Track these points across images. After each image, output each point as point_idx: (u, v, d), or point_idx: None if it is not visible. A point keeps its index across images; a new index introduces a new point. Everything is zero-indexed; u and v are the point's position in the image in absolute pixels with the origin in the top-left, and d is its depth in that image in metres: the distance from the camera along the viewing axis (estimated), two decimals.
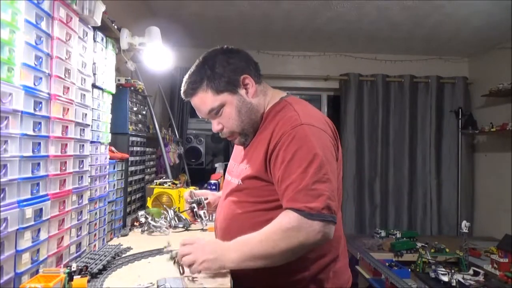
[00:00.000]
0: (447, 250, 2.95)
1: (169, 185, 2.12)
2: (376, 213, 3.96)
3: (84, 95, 1.28)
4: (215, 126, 1.15)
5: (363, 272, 2.98)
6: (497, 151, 3.71)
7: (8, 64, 0.83)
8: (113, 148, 1.69)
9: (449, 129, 4.05)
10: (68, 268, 0.97)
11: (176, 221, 1.87)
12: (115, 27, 1.66)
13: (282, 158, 0.98)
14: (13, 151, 0.85)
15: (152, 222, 1.75)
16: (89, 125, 1.32)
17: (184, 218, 1.92)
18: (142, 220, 1.77)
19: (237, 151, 1.26)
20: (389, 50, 3.98)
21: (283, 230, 0.93)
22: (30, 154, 0.92)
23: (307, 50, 4.05)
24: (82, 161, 1.25)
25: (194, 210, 1.38)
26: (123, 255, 1.34)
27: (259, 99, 1.13)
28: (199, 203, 1.24)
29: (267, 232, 0.95)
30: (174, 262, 1.09)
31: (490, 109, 3.78)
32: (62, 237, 1.10)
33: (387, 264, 2.72)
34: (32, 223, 0.92)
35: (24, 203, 0.89)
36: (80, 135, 1.23)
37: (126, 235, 1.69)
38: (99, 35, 1.47)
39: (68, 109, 1.12)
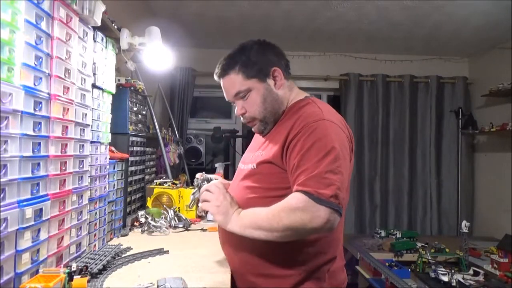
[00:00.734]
0: (447, 250, 2.95)
1: (169, 185, 2.12)
2: (376, 213, 3.96)
3: (84, 95, 1.28)
4: (239, 110, 1.19)
5: (363, 272, 2.98)
6: (497, 151, 3.71)
7: (8, 64, 0.83)
8: (113, 148, 1.69)
9: (449, 129, 4.05)
10: (68, 268, 0.97)
11: (176, 221, 1.87)
12: (115, 27, 1.66)
13: (300, 147, 1.01)
14: (13, 151, 0.85)
15: (152, 222, 1.75)
16: (89, 125, 1.32)
17: (184, 218, 1.92)
18: (142, 220, 1.77)
19: (254, 143, 1.29)
20: (389, 50, 3.98)
21: (290, 208, 0.96)
22: (30, 154, 0.92)
23: (307, 50, 4.05)
24: (82, 161, 1.25)
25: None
26: (123, 255, 1.34)
27: (284, 92, 1.18)
28: (209, 181, 1.24)
29: (276, 208, 0.99)
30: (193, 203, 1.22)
31: (490, 109, 3.78)
32: (62, 237, 1.10)
33: (387, 264, 2.72)
34: (32, 223, 0.92)
35: (24, 203, 0.89)
36: (80, 135, 1.23)
37: (126, 235, 1.69)
38: (99, 35, 1.47)
39: (68, 109, 1.12)
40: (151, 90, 2.83)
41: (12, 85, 0.85)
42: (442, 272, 2.37)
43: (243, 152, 4.54)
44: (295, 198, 0.96)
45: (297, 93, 1.22)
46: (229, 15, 3.08)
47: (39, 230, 0.96)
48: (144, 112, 2.19)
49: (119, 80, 1.81)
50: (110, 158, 1.56)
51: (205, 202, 1.12)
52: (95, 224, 1.40)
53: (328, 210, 0.93)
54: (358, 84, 4.01)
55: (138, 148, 2.03)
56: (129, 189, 1.87)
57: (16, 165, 0.86)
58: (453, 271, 2.41)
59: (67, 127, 1.12)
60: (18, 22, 0.87)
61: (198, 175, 1.31)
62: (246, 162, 1.21)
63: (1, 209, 0.81)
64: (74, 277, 0.98)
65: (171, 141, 2.94)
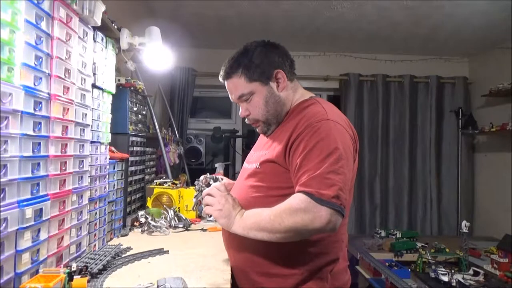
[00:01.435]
0: (447, 250, 2.94)
1: (169, 185, 2.12)
2: (376, 213, 3.96)
3: (84, 95, 1.28)
4: (243, 112, 1.20)
5: (363, 272, 2.98)
6: (497, 151, 3.71)
7: (8, 64, 0.83)
8: (113, 148, 1.69)
9: (449, 129, 4.05)
10: (68, 268, 0.97)
11: (176, 221, 1.87)
12: (115, 27, 1.66)
13: (303, 147, 1.01)
14: (13, 151, 0.85)
15: (152, 222, 1.75)
16: (89, 125, 1.32)
17: (184, 218, 1.92)
18: (142, 220, 1.77)
19: (259, 143, 1.29)
20: (389, 50, 3.98)
21: (291, 209, 0.96)
22: (30, 154, 0.92)
23: (307, 50, 4.05)
24: (82, 161, 1.25)
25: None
26: (123, 255, 1.34)
27: (287, 94, 1.18)
28: (215, 180, 1.24)
29: (278, 209, 0.99)
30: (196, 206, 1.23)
31: (490, 109, 3.78)
32: (62, 237, 1.10)
33: (387, 264, 2.72)
34: (32, 223, 0.92)
35: (24, 203, 0.89)
36: (80, 135, 1.23)
37: (126, 235, 1.69)
38: (99, 35, 1.47)
39: (68, 109, 1.12)
40: (151, 90, 2.83)
41: (12, 85, 0.85)
42: (442, 272, 2.37)
43: (243, 152, 4.52)
44: (297, 199, 0.96)
45: (301, 94, 1.22)
46: (229, 15, 3.08)
47: (39, 230, 0.96)
48: (144, 112, 2.19)
49: (119, 80, 1.81)
50: (110, 158, 1.56)
51: (207, 206, 1.12)
52: (95, 224, 1.40)
53: (329, 210, 0.93)
54: (358, 84, 4.01)
55: (138, 148, 2.03)
56: (129, 189, 1.87)
57: (16, 165, 0.86)
58: (453, 271, 2.41)
59: (67, 127, 1.12)
60: (18, 22, 0.87)
61: (202, 178, 1.29)
62: (250, 162, 1.21)
63: (1, 209, 0.81)
64: (74, 277, 0.98)
65: (171, 141, 2.93)
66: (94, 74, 1.40)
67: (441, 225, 4.01)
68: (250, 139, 4.07)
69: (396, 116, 4.03)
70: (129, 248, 1.43)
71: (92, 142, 1.36)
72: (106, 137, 1.53)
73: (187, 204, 2.09)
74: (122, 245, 1.45)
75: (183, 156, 3.43)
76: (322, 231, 0.98)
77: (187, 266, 1.26)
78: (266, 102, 1.15)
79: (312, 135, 1.01)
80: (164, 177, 2.38)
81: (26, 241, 0.90)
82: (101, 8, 1.34)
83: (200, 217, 2.13)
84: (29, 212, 0.90)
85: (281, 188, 1.08)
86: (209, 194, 1.13)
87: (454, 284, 2.30)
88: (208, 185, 1.21)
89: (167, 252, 1.42)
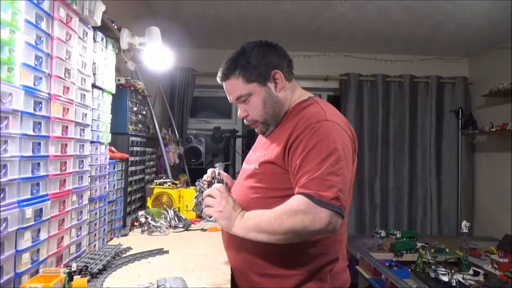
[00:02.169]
0: (447, 250, 2.94)
1: (169, 185, 2.12)
2: (376, 213, 3.96)
3: (84, 95, 1.28)
4: (241, 112, 1.20)
5: (363, 272, 2.98)
6: (497, 151, 3.71)
7: (8, 64, 0.83)
8: (113, 148, 1.69)
9: (449, 129, 4.05)
10: (68, 268, 0.97)
11: (176, 221, 1.87)
12: (115, 27, 1.66)
13: (302, 148, 1.01)
14: (13, 151, 0.85)
15: (152, 222, 1.75)
16: (89, 125, 1.32)
17: (184, 218, 1.92)
18: (142, 220, 1.77)
19: (258, 143, 1.29)
20: (389, 50, 3.98)
21: (291, 211, 0.96)
22: (30, 154, 0.92)
23: (307, 50, 4.05)
24: (82, 161, 1.25)
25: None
26: (123, 255, 1.34)
27: (286, 94, 1.18)
28: (220, 182, 1.23)
29: (278, 211, 0.99)
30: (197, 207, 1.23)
31: (490, 109, 3.78)
32: (62, 237, 1.10)
33: (387, 264, 2.72)
34: (32, 223, 0.92)
35: (24, 203, 0.89)
36: (80, 135, 1.23)
37: (126, 235, 1.69)
38: (99, 35, 1.47)
39: (68, 109, 1.12)
40: (151, 90, 2.83)
41: (12, 85, 0.85)
42: (442, 272, 2.37)
43: (243, 152, 4.52)
44: (297, 201, 0.96)
45: (300, 94, 1.21)
46: (229, 15, 3.08)
47: (39, 230, 0.96)
48: (144, 112, 2.19)
49: (119, 80, 1.81)
50: (110, 158, 1.56)
51: (208, 208, 1.12)
52: (95, 224, 1.40)
53: (329, 212, 0.93)
54: (358, 84, 4.01)
55: (138, 148, 2.03)
56: (129, 189, 1.87)
57: (16, 165, 0.86)
58: (453, 271, 2.41)
59: (67, 127, 1.12)
60: (18, 22, 0.87)
61: (210, 172, 1.27)
62: (249, 162, 1.21)
63: (1, 209, 0.81)
64: (74, 277, 0.98)
65: (171, 141, 2.93)
66: (94, 74, 1.40)
67: (441, 225, 4.01)
68: (250, 139, 4.07)
69: (396, 116, 4.03)
70: (129, 248, 1.43)
71: (92, 142, 1.36)
72: (106, 137, 1.53)
73: (187, 204, 2.09)
74: (122, 245, 1.45)
75: (183, 156, 3.43)
76: (322, 233, 0.98)
77: (187, 266, 1.26)
78: (264, 103, 1.14)
79: (311, 136, 1.01)
80: (164, 177, 2.38)
81: (26, 241, 0.90)
82: (101, 8, 1.34)
83: (200, 217, 2.13)
84: (29, 212, 0.90)
85: (280, 189, 1.08)
86: (209, 195, 1.13)
87: (454, 284, 2.30)
88: (209, 185, 1.21)
89: (167, 252, 1.42)
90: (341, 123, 1.07)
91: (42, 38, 0.98)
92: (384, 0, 2.73)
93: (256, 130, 1.24)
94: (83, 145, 1.25)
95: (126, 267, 1.23)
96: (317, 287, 1.08)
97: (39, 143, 0.97)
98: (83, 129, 1.26)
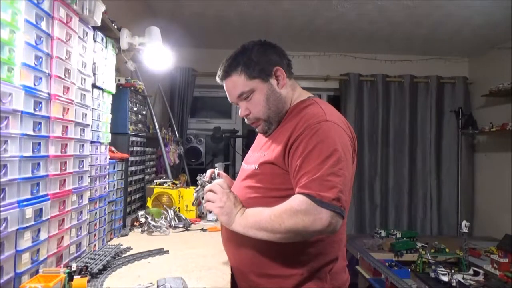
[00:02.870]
0: (447, 250, 2.95)
1: (169, 185, 2.12)
2: (376, 213, 3.96)
3: (84, 95, 1.28)
4: (243, 111, 1.19)
5: (363, 272, 2.98)
6: (497, 151, 3.71)
7: (8, 64, 0.83)
8: (113, 148, 1.69)
9: (449, 129, 4.05)
10: (68, 268, 0.97)
11: (176, 221, 1.87)
12: (115, 27, 1.66)
13: (303, 148, 1.01)
14: (13, 151, 0.85)
15: (152, 222, 1.75)
16: (89, 125, 1.32)
17: (184, 218, 1.92)
18: (142, 220, 1.77)
19: (257, 143, 1.29)
20: (389, 50, 3.98)
21: (292, 211, 0.96)
22: (30, 154, 0.92)
23: (307, 50, 4.05)
24: (82, 161, 1.25)
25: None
26: (123, 255, 1.34)
27: (287, 92, 1.18)
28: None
29: (278, 209, 0.99)
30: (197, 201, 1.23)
31: (490, 109, 3.78)
32: (62, 237, 1.10)
33: (387, 264, 2.72)
34: (32, 223, 0.92)
35: (24, 203, 0.89)
36: (80, 135, 1.23)
37: (126, 235, 1.69)
38: (99, 35, 1.47)
39: (68, 109, 1.12)
40: (151, 90, 2.83)
41: (12, 85, 0.85)
42: (442, 272, 2.37)
43: (243, 152, 4.52)
44: (298, 201, 0.96)
45: (300, 93, 1.22)
46: (229, 15, 3.08)
47: (39, 230, 0.96)
48: (144, 112, 2.19)
49: (119, 80, 1.81)
50: (110, 158, 1.56)
51: (208, 203, 1.12)
52: (95, 224, 1.40)
53: (330, 213, 0.93)
54: (358, 84, 4.01)
55: (138, 148, 2.03)
56: (129, 189, 1.87)
57: (16, 165, 0.86)
58: (453, 271, 2.41)
59: (67, 127, 1.12)
60: (18, 22, 0.87)
61: (209, 172, 1.27)
62: (249, 162, 1.21)
63: (1, 209, 0.81)
64: (74, 277, 0.98)
65: (171, 141, 2.93)
66: (94, 74, 1.40)
67: (441, 225, 4.01)
68: (250, 139, 4.06)
69: (396, 116, 4.03)
70: (129, 248, 1.43)
71: (92, 142, 1.36)
72: (106, 137, 1.53)
73: (187, 204, 2.09)
74: (122, 245, 1.45)
75: (183, 156, 3.43)
76: (322, 233, 0.98)
77: (187, 266, 1.26)
78: (267, 99, 1.14)
79: (311, 137, 1.01)
80: (164, 177, 2.38)
81: (26, 241, 0.90)
82: (101, 8, 1.34)
83: (200, 217, 2.13)
84: (29, 212, 0.90)
85: (280, 189, 1.08)
86: (211, 190, 1.12)
87: (454, 284, 2.30)
88: (210, 181, 1.21)
89: (167, 252, 1.42)
90: (341, 124, 1.07)
91: (42, 38, 0.98)
92: (384, 0, 2.73)
93: (257, 130, 1.23)
94: (83, 145, 1.25)
95: (126, 267, 1.23)
96: (317, 287, 1.08)
97: (39, 143, 0.97)
98: (83, 129, 1.26)
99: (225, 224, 1.09)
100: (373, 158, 4.00)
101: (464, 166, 4.01)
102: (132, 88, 1.91)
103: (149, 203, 2.06)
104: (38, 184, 0.96)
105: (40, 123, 0.97)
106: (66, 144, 1.12)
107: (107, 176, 1.53)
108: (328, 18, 3.11)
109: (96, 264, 1.14)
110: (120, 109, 1.80)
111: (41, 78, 0.98)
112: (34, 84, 0.95)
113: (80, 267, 1.04)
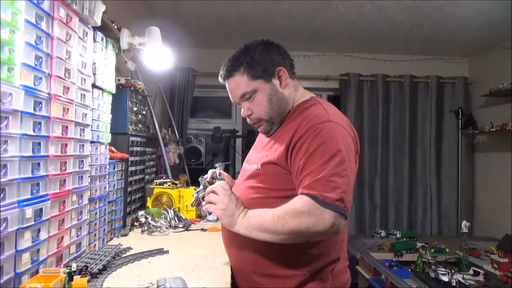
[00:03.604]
0: (447, 250, 2.95)
1: (169, 185, 2.12)
2: (376, 213, 3.96)
3: (84, 95, 1.28)
4: (245, 111, 1.18)
5: (363, 272, 2.98)
6: (497, 151, 3.71)
7: (8, 64, 0.83)
8: (113, 148, 1.69)
9: (449, 129, 4.05)
10: (68, 268, 0.97)
11: (176, 221, 1.87)
12: (115, 27, 1.66)
13: (306, 148, 1.01)
14: (13, 151, 0.85)
15: (152, 222, 1.75)
16: (89, 125, 1.32)
17: (184, 218, 1.92)
18: (142, 220, 1.77)
19: (259, 143, 1.29)
20: (389, 50, 3.98)
21: (295, 211, 0.95)
22: (30, 154, 0.92)
23: (307, 50, 4.05)
24: (82, 161, 1.25)
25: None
26: (123, 255, 1.34)
27: (290, 92, 1.17)
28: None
29: (281, 210, 0.98)
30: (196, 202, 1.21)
31: (490, 109, 3.78)
32: (62, 237, 1.10)
33: (387, 264, 2.72)
34: (32, 223, 0.92)
35: (24, 203, 0.89)
36: (80, 135, 1.23)
37: (126, 235, 1.69)
38: (99, 35, 1.47)
39: (68, 109, 1.12)
40: (151, 90, 2.83)
41: (12, 85, 0.85)
42: (442, 272, 2.37)
43: (243, 152, 4.51)
44: (301, 201, 0.96)
45: (302, 93, 1.21)
46: (229, 15, 3.08)
47: (39, 230, 0.96)
48: (144, 112, 2.19)
49: (119, 80, 1.81)
50: (110, 158, 1.56)
51: (210, 204, 1.11)
52: (95, 224, 1.40)
53: (333, 213, 0.93)
54: (358, 84, 4.01)
55: (138, 148, 2.03)
56: (129, 189, 1.87)
57: (16, 165, 0.86)
58: (453, 271, 2.41)
59: (67, 127, 1.12)
60: (18, 22, 0.87)
61: (211, 172, 1.26)
62: (251, 162, 1.21)
63: (1, 209, 0.81)
64: (74, 277, 0.98)
65: (171, 141, 2.94)
66: (94, 74, 1.40)
67: (441, 225, 4.01)
68: (250, 139, 4.07)
69: (396, 116, 4.03)
70: (129, 248, 1.43)
71: (92, 142, 1.36)
72: (106, 137, 1.53)
73: (187, 204, 2.09)
74: (122, 245, 1.45)
75: (183, 156, 3.43)
76: (325, 234, 0.97)
77: (187, 266, 1.26)
78: (270, 99, 1.13)
79: (314, 137, 1.01)
80: (164, 177, 2.38)
81: (26, 241, 0.90)
82: (101, 8, 1.34)
83: (200, 217, 2.13)
84: (29, 212, 0.90)
85: (282, 189, 1.08)
86: (213, 192, 1.11)
87: (454, 284, 2.30)
88: (212, 181, 1.20)
89: (167, 252, 1.42)
90: (344, 124, 1.07)
91: (42, 38, 0.98)
92: (384, 0, 2.73)
93: (259, 130, 1.23)
94: (83, 145, 1.25)
95: (126, 267, 1.23)
96: (319, 287, 1.08)
97: (39, 143, 0.97)
98: (83, 129, 1.26)
99: (227, 226, 1.09)
100: (373, 158, 3.99)
101: (464, 166, 4.01)
102: (132, 88, 1.92)
103: (149, 203, 2.06)
104: (38, 184, 0.96)
105: (40, 123, 0.97)
106: (66, 144, 1.12)
107: (107, 176, 1.53)
108: (328, 18, 3.11)
109: (96, 264, 1.14)
110: (120, 109, 1.80)
111: (41, 78, 0.98)
112: (34, 84, 0.95)
113: (80, 267, 1.04)
